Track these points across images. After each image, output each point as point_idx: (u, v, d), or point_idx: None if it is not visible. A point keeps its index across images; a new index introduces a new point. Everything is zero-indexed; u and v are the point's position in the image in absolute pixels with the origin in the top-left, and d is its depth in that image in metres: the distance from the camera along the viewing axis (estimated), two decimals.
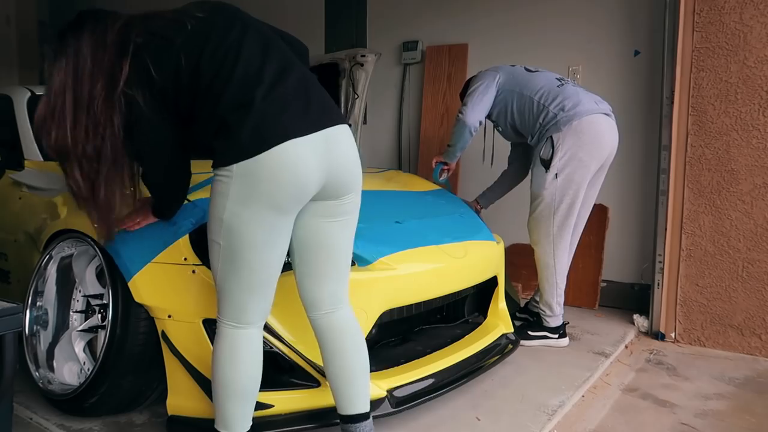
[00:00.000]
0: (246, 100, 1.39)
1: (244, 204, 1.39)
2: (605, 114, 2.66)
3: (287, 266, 1.63)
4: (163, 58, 1.45)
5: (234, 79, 1.42)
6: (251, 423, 1.58)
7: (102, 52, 1.47)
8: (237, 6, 1.57)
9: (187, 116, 1.50)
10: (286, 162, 1.38)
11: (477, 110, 2.77)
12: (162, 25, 1.48)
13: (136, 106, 1.46)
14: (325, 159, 1.44)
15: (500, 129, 2.94)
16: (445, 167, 3.03)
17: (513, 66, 2.87)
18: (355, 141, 1.59)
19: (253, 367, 1.52)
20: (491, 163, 3.23)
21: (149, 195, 1.77)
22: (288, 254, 1.58)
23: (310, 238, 1.55)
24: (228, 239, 1.43)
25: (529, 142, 2.81)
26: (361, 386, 1.62)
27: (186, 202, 1.83)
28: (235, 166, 1.38)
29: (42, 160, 2.46)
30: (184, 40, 1.45)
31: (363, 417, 1.62)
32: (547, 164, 2.64)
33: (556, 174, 2.61)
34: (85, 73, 1.47)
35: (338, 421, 1.68)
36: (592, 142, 2.60)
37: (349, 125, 1.57)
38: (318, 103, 1.48)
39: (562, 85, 2.70)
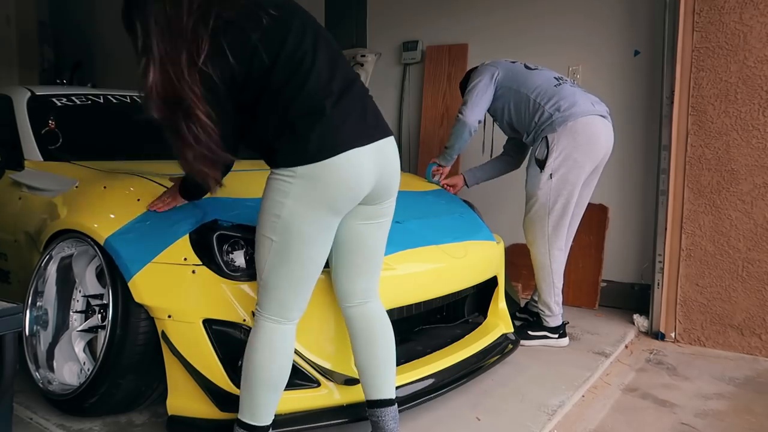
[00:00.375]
0: (316, 109, 1.47)
1: (305, 203, 1.48)
2: (601, 116, 2.66)
3: None
4: (240, 48, 1.47)
5: (306, 88, 1.48)
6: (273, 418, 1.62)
7: (182, 20, 1.44)
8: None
9: (248, 109, 1.54)
10: (348, 169, 1.48)
11: (476, 110, 2.77)
12: (239, 12, 1.48)
13: (212, 82, 1.47)
14: (378, 167, 1.55)
15: (498, 123, 2.94)
16: (438, 169, 3.02)
17: (513, 62, 2.87)
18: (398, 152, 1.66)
19: (288, 360, 1.60)
20: (490, 155, 3.23)
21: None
22: None
23: (350, 238, 1.66)
24: (283, 235, 1.50)
25: (524, 140, 2.82)
26: (388, 374, 1.72)
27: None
28: (299, 168, 1.46)
29: (42, 160, 2.46)
30: (261, 36, 1.48)
31: (389, 403, 1.71)
32: (542, 164, 2.65)
33: (551, 174, 2.62)
34: (172, 38, 1.45)
35: (338, 420, 1.71)
36: (587, 143, 2.60)
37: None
38: (373, 115, 1.59)
39: (560, 84, 2.70)
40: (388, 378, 1.72)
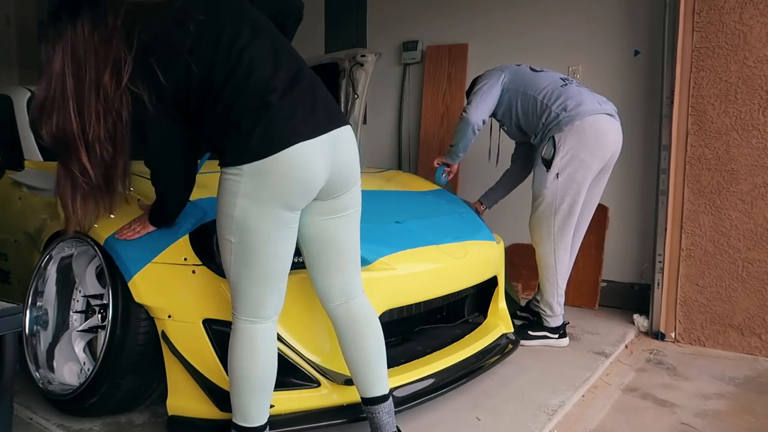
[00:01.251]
0: (259, 105, 1.43)
1: (254, 201, 1.44)
2: (608, 114, 2.65)
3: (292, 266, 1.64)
4: (171, 66, 1.45)
5: (247, 86, 1.44)
6: (268, 416, 1.61)
7: (105, 37, 1.44)
8: None
9: (195, 116, 1.52)
10: (296, 163, 1.43)
11: (481, 109, 2.77)
12: (165, 28, 1.46)
13: (141, 104, 1.46)
14: (330, 159, 1.49)
15: (505, 128, 2.94)
16: (447, 168, 3.03)
17: (519, 65, 2.87)
18: (356, 141, 1.61)
19: (271, 360, 1.57)
20: (497, 162, 3.23)
21: (146, 204, 1.80)
22: (298, 253, 1.60)
23: (315, 236, 1.60)
24: (239, 235, 1.47)
25: (532, 141, 2.81)
26: (379, 371, 1.69)
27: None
28: (246, 166, 1.42)
29: (42, 160, 2.46)
30: (191, 47, 1.45)
31: (382, 399, 1.68)
32: (548, 164, 2.64)
33: (558, 174, 2.61)
34: (87, 56, 1.44)
35: (338, 421, 1.72)
36: (594, 143, 2.59)
37: (349, 125, 1.59)
38: (323, 106, 1.52)
39: (566, 85, 2.70)
40: (380, 374, 1.69)
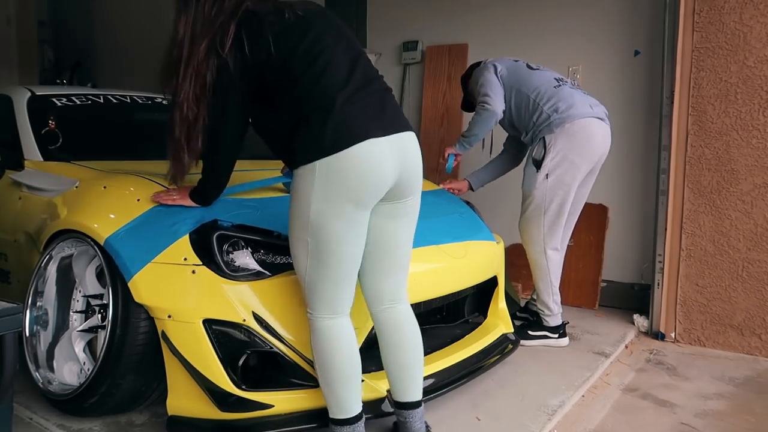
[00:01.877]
0: (330, 103, 1.51)
1: (328, 201, 1.50)
2: (598, 118, 2.67)
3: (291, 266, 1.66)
4: (256, 42, 1.57)
5: (321, 83, 1.54)
6: (361, 406, 1.66)
7: (219, 9, 1.60)
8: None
9: (265, 99, 1.63)
10: (366, 159, 1.49)
11: (498, 99, 2.74)
12: (267, 10, 1.60)
13: (225, 71, 1.58)
14: (398, 159, 1.56)
15: (499, 120, 2.94)
16: (458, 158, 3.01)
17: (516, 61, 2.87)
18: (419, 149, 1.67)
19: (353, 350, 1.63)
20: (490, 152, 3.22)
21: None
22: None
23: (376, 237, 1.66)
24: (315, 236, 1.53)
25: (522, 139, 2.83)
26: (416, 377, 1.74)
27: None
28: (317, 164, 1.48)
29: (42, 160, 2.46)
30: (278, 31, 1.58)
31: (416, 405, 1.73)
32: (538, 164, 2.66)
33: (547, 174, 2.63)
34: (203, 26, 1.60)
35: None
36: (584, 145, 2.62)
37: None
38: (391, 111, 1.61)
39: (559, 86, 2.71)
40: (417, 382, 1.74)
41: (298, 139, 1.53)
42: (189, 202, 1.85)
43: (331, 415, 1.66)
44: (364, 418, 1.66)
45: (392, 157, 1.54)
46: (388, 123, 1.56)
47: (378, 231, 1.65)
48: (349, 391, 1.63)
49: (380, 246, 1.67)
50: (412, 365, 1.72)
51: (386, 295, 1.71)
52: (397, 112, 1.63)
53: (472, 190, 3.11)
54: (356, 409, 1.64)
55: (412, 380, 1.73)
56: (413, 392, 1.73)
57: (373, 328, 1.87)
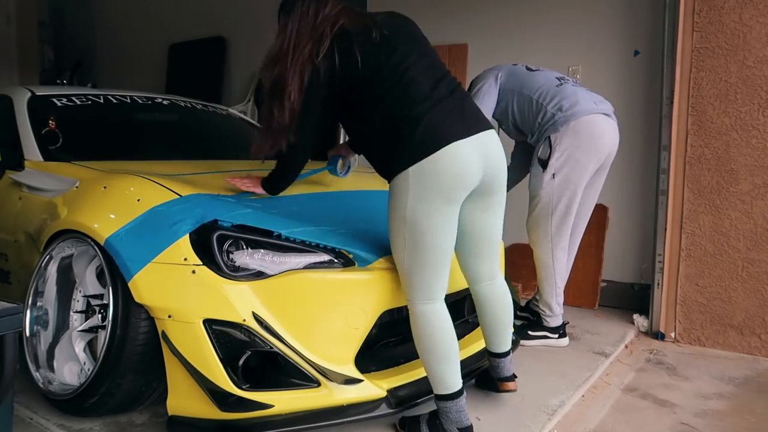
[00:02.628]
0: (417, 114, 1.71)
1: (422, 200, 1.70)
2: (604, 114, 2.65)
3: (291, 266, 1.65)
4: (346, 56, 1.75)
5: (408, 97, 1.74)
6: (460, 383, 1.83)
7: (320, 18, 1.80)
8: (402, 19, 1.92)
9: (351, 109, 1.85)
10: (455, 159, 1.68)
11: (483, 110, 2.74)
12: (359, 28, 1.79)
13: (316, 77, 1.77)
14: (482, 157, 1.75)
15: (503, 127, 2.93)
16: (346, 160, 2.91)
17: (515, 65, 2.87)
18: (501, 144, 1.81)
19: (450, 331, 1.81)
20: None
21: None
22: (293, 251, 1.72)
23: (470, 228, 1.91)
24: (412, 231, 1.73)
25: (529, 140, 2.81)
26: (506, 334, 2.09)
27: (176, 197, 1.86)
28: (411, 169, 1.68)
29: (42, 160, 2.46)
30: (367, 50, 1.76)
31: (505, 354, 2.10)
32: (544, 164, 2.64)
33: (554, 174, 2.62)
34: (305, 29, 1.80)
35: (338, 420, 1.75)
36: (590, 143, 2.59)
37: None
38: (471, 114, 1.81)
39: (562, 84, 2.70)
40: (507, 337, 2.08)
41: (390, 151, 1.74)
42: (260, 190, 2.03)
43: (435, 392, 1.83)
44: (464, 394, 1.83)
45: (477, 156, 1.72)
46: (469, 124, 1.74)
47: (472, 222, 1.89)
48: (449, 368, 1.81)
49: (475, 235, 1.92)
50: (504, 326, 2.07)
51: (486, 275, 2.01)
52: (475, 113, 1.82)
53: None
54: (457, 384, 1.81)
55: (504, 335, 2.08)
56: (504, 345, 2.09)
57: (373, 328, 1.88)
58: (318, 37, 1.77)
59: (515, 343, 2.51)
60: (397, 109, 1.73)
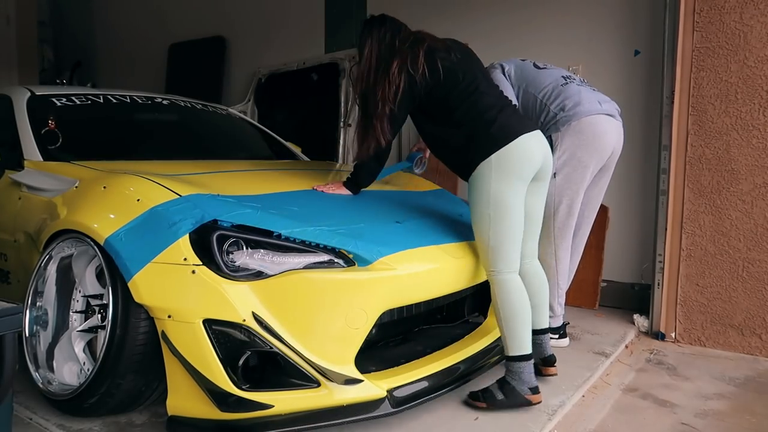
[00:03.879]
0: (488, 119, 2.13)
1: (503, 180, 2.08)
2: (608, 114, 2.64)
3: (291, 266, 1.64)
4: (432, 72, 2.14)
5: (479, 108, 2.15)
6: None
7: (399, 40, 2.21)
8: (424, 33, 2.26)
9: (431, 117, 2.23)
10: (526, 147, 2.10)
11: (511, 94, 2.69)
12: (440, 48, 2.19)
13: (411, 86, 2.14)
14: (540, 148, 2.16)
15: None
16: (422, 158, 2.86)
17: (523, 60, 2.85)
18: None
19: (526, 299, 2.14)
20: None
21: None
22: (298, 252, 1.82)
23: (525, 207, 2.19)
24: (496, 209, 2.09)
25: None
26: (543, 312, 2.35)
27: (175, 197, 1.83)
28: (492, 157, 2.07)
29: (42, 160, 2.46)
30: (447, 67, 2.16)
31: (542, 332, 2.35)
32: None
33: (555, 173, 2.61)
34: (385, 50, 2.20)
35: (338, 420, 1.75)
36: (591, 143, 2.59)
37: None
38: (526, 117, 2.39)
39: (567, 83, 2.68)
40: (545, 313, 2.36)
41: (472, 147, 2.11)
42: (344, 190, 2.35)
43: (510, 353, 2.11)
44: (532, 359, 2.14)
45: (538, 146, 2.15)
46: (528, 124, 2.19)
47: (526, 203, 2.18)
48: (526, 331, 2.11)
49: (526, 215, 2.21)
50: (541, 302, 2.33)
51: (527, 253, 2.30)
52: (525, 117, 2.35)
53: None
54: (530, 348, 2.12)
55: (540, 312, 2.32)
56: (542, 322, 2.35)
57: (373, 328, 1.88)
58: (406, 53, 2.15)
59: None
60: (473, 115, 2.14)
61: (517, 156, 2.08)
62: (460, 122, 2.16)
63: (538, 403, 2.10)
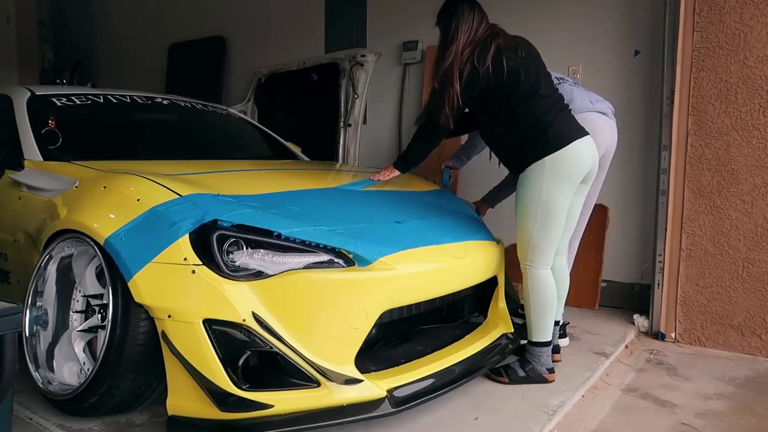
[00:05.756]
0: (547, 119, 2.21)
1: (555, 183, 2.20)
2: (600, 113, 2.64)
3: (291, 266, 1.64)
4: (497, 67, 2.20)
5: (539, 107, 2.23)
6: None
7: (482, 27, 2.29)
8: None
9: (491, 113, 2.29)
10: (579, 152, 2.22)
11: None
12: (510, 47, 2.24)
13: (475, 76, 2.20)
14: (590, 153, 2.27)
15: None
16: (454, 172, 3.03)
17: None
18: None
19: (555, 291, 2.35)
20: (498, 163, 3.23)
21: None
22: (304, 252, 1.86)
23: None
24: (545, 209, 2.22)
25: None
26: (562, 304, 2.54)
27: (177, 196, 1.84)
28: (546, 159, 2.18)
29: (42, 160, 2.46)
30: (513, 66, 2.21)
31: (557, 323, 2.49)
32: None
33: None
34: (468, 34, 2.26)
35: (338, 420, 1.75)
36: None
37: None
38: (577, 121, 2.33)
39: (559, 83, 2.68)
40: (562, 306, 2.56)
41: (528, 147, 2.21)
42: (394, 171, 2.51)
43: (534, 339, 2.33)
44: (552, 344, 2.37)
45: (589, 151, 2.26)
46: (581, 129, 2.28)
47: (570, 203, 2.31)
48: (550, 320, 2.33)
49: (569, 215, 2.32)
50: (563, 295, 2.53)
51: (560, 249, 2.43)
52: (577, 122, 2.33)
53: (491, 208, 3.11)
54: (551, 335, 2.34)
55: (561, 305, 2.52)
56: (560, 313, 2.55)
57: (373, 328, 1.88)
58: (478, 46, 2.21)
59: (515, 343, 2.51)
60: (532, 116, 2.21)
61: (570, 160, 2.19)
62: (519, 121, 2.23)
63: (553, 381, 2.32)
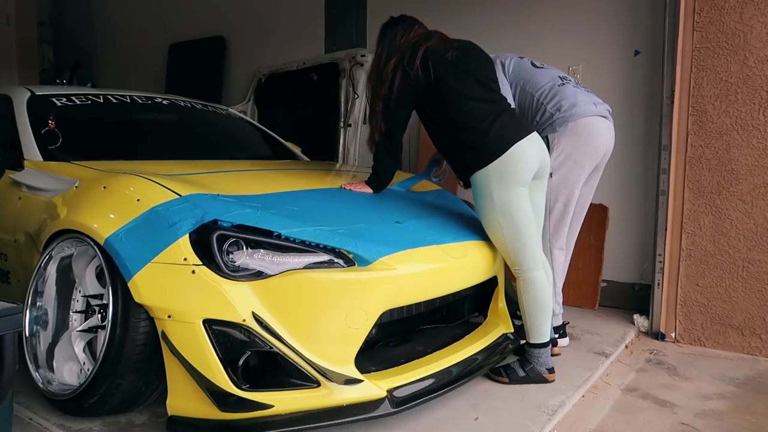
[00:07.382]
0: (482, 127, 2.19)
1: (504, 187, 2.18)
2: (602, 116, 2.66)
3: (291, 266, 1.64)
4: (424, 70, 2.21)
5: (474, 114, 2.21)
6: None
7: (406, 38, 2.32)
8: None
9: (432, 119, 2.31)
10: (522, 153, 2.18)
11: (508, 95, 2.69)
12: (438, 52, 2.25)
13: (403, 81, 2.23)
14: (536, 150, 2.24)
15: None
16: (442, 163, 2.95)
17: (521, 57, 2.85)
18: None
19: (549, 292, 2.33)
20: None
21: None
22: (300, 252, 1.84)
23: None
24: (504, 213, 2.21)
25: None
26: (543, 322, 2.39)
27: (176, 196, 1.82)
28: (490, 166, 2.17)
29: (42, 160, 2.46)
30: (437, 76, 2.21)
31: (543, 345, 2.35)
32: None
33: (551, 173, 2.62)
34: (393, 48, 2.31)
35: (338, 420, 1.75)
36: (587, 144, 2.61)
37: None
38: (521, 122, 2.34)
39: (563, 84, 2.70)
40: (543, 325, 2.35)
41: (469, 155, 2.21)
42: (367, 188, 2.43)
43: (532, 341, 2.33)
44: (551, 345, 2.36)
45: (534, 150, 2.22)
46: (522, 129, 2.24)
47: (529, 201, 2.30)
48: (548, 321, 2.33)
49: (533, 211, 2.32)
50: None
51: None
52: (521, 121, 2.34)
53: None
54: (548, 336, 2.34)
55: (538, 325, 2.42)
56: (539, 336, 2.39)
57: (373, 328, 1.88)
58: (407, 49, 2.24)
59: (515, 343, 2.51)
60: (469, 123, 2.20)
61: (514, 164, 2.16)
62: (457, 126, 2.22)
63: (553, 381, 2.32)
